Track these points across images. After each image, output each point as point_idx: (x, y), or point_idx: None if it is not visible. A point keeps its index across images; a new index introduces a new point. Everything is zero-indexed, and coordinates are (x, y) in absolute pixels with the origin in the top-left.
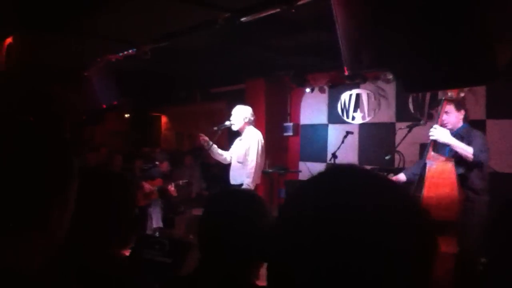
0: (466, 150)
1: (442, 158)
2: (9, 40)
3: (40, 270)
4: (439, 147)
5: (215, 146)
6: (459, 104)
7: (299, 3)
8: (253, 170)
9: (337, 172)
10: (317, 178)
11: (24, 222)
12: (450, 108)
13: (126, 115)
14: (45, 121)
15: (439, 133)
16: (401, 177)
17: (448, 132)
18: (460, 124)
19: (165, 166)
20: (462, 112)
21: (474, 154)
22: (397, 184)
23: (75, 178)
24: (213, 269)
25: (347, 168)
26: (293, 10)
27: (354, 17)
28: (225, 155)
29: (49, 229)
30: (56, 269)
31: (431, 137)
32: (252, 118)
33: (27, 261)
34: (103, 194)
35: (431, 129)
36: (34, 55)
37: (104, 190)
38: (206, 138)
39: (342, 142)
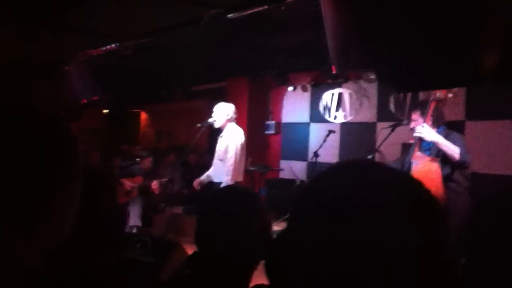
0: (453, 149)
1: (428, 158)
2: None
3: (40, 269)
4: (423, 147)
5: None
6: (439, 106)
7: (288, 0)
8: (231, 167)
9: (354, 166)
10: (334, 172)
11: (25, 221)
12: (417, 115)
13: (105, 111)
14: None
15: (427, 132)
16: None
17: (433, 131)
18: (438, 125)
19: (148, 162)
20: (431, 116)
21: (460, 154)
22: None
23: (79, 176)
24: (209, 270)
25: (364, 162)
26: (283, 8)
27: (343, 15)
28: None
29: (50, 228)
30: (55, 268)
31: (418, 135)
32: (234, 116)
33: (28, 260)
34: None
35: (418, 128)
36: (14, 49)
37: (85, 187)
38: (199, 181)
39: (324, 141)
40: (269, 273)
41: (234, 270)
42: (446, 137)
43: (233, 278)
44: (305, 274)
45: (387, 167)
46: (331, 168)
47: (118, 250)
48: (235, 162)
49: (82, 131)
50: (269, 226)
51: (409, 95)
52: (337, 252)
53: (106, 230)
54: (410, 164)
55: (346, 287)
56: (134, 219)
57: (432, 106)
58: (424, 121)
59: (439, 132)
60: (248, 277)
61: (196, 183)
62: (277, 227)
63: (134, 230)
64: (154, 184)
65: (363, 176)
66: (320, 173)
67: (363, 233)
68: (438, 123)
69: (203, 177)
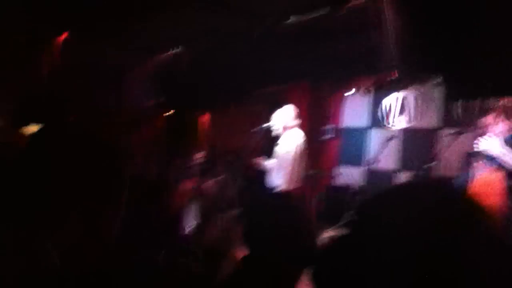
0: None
1: (491, 168)
2: (64, 36)
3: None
4: (486, 156)
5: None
6: (509, 113)
7: (350, 5)
8: (287, 173)
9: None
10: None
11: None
12: (496, 117)
13: (165, 114)
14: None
15: (490, 144)
16: None
17: (499, 142)
18: (508, 133)
19: (200, 157)
20: (507, 121)
21: None
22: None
23: (126, 187)
24: (257, 274)
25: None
26: (344, 12)
27: (407, 19)
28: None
29: (99, 231)
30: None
31: (479, 148)
32: (293, 121)
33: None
34: (137, 198)
35: (481, 139)
36: (82, 57)
37: (139, 194)
38: (260, 161)
39: (384, 146)
40: (315, 278)
41: (280, 273)
42: None
43: (279, 279)
44: (352, 282)
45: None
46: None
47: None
48: (292, 168)
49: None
50: (313, 234)
51: (474, 102)
52: (389, 267)
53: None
54: (471, 175)
55: None
56: (189, 220)
57: (496, 115)
58: (486, 131)
59: (510, 139)
60: (294, 281)
61: (257, 161)
62: (332, 232)
63: (190, 237)
64: (207, 184)
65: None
66: (389, 189)
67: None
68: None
69: (264, 161)
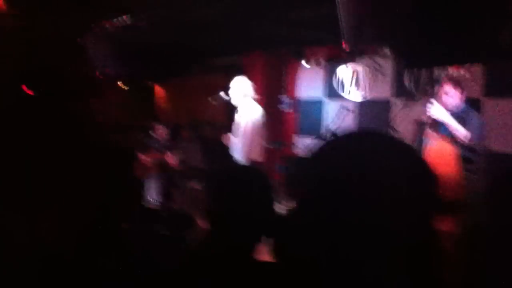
0: (460, 131)
1: (441, 137)
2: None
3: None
4: (437, 124)
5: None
6: (458, 83)
7: None
8: (243, 146)
9: (360, 136)
10: (338, 142)
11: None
12: (449, 87)
13: (123, 87)
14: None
15: (435, 110)
16: None
17: (443, 109)
18: (462, 105)
19: (161, 130)
20: (460, 91)
21: (466, 137)
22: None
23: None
24: (220, 245)
25: (370, 133)
26: None
27: None
28: None
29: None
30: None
31: (429, 114)
32: (250, 92)
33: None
34: (102, 165)
35: (428, 105)
36: (28, 23)
37: (104, 161)
38: (229, 137)
39: (339, 118)
40: (274, 250)
41: (240, 245)
42: (464, 116)
43: (243, 253)
44: (307, 251)
45: (393, 139)
46: (331, 142)
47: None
48: (246, 140)
49: (104, 106)
50: (273, 205)
51: (424, 71)
52: (339, 229)
53: (125, 202)
54: (423, 142)
55: (346, 264)
56: (154, 194)
57: (444, 84)
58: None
59: (461, 110)
60: (251, 251)
61: (226, 137)
62: (291, 204)
63: (155, 205)
64: (170, 158)
65: (367, 147)
66: (323, 146)
67: (367, 210)
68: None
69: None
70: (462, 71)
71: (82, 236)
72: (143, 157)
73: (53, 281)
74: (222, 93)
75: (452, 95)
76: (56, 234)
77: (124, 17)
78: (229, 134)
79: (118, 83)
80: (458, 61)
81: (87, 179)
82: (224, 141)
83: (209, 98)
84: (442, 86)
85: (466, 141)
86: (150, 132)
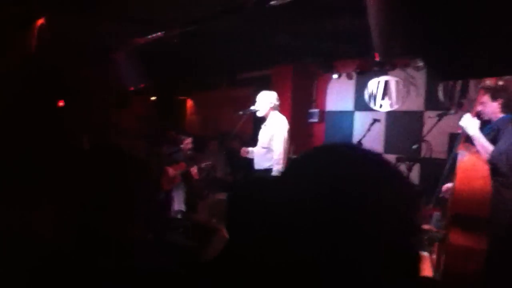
0: (486, 148)
1: (474, 149)
2: (40, 21)
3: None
4: (471, 138)
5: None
6: (496, 94)
7: None
8: (281, 157)
9: (329, 150)
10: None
11: None
12: (486, 98)
13: (152, 98)
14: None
15: (467, 123)
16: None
17: (476, 123)
18: (499, 115)
19: (188, 143)
20: (500, 101)
21: (491, 155)
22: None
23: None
24: (241, 255)
25: (339, 146)
26: None
27: (387, 2)
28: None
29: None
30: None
31: (460, 124)
32: (277, 104)
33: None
34: (124, 177)
35: (462, 118)
36: (64, 38)
37: (125, 173)
38: (247, 150)
39: (368, 130)
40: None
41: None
42: (503, 127)
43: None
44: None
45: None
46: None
47: (157, 233)
48: (284, 151)
49: (132, 118)
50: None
51: (458, 83)
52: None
53: (146, 216)
54: (456, 156)
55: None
56: (178, 205)
57: (480, 95)
58: (470, 112)
59: (500, 121)
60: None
61: (244, 150)
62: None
63: (179, 216)
64: (194, 169)
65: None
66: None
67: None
68: (507, 111)
69: (251, 149)
70: (502, 82)
71: (90, 239)
72: (170, 169)
73: (53, 281)
74: (252, 107)
75: (488, 106)
76: (65, 234)
77: (160, 33)
78: (249, 148)
79: (148, 96)
80: (495, 73)
81: (108, 188)
82: (242, 154)
83: (239, 113)
84: (478, 96)
85: (487, 158)
86: (178, 144)
